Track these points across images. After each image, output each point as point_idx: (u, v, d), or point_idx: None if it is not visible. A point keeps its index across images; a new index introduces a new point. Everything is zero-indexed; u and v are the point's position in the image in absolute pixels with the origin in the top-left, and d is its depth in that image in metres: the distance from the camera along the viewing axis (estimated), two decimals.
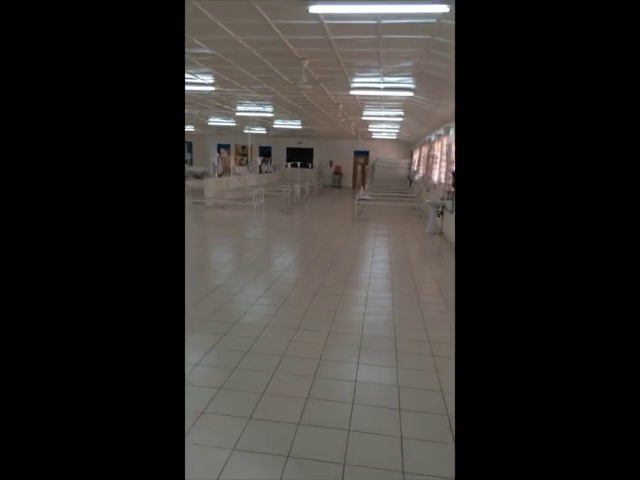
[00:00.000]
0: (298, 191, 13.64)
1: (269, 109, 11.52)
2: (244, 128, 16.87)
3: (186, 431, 2.18)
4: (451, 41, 4.34)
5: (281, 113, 12.25)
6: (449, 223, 8.17)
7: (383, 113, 11.03)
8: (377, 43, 4.77)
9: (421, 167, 15.00)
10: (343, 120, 11.71)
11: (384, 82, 6.94)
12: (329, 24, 4.24)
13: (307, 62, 5.69)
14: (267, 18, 4.12)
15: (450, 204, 7.95)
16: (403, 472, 1.96)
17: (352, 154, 21.73)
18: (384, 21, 4.06)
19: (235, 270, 5.59)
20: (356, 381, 2.78)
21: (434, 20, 3.89)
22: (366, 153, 21.47)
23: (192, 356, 3.03)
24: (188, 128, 18.32)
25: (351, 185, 21.53)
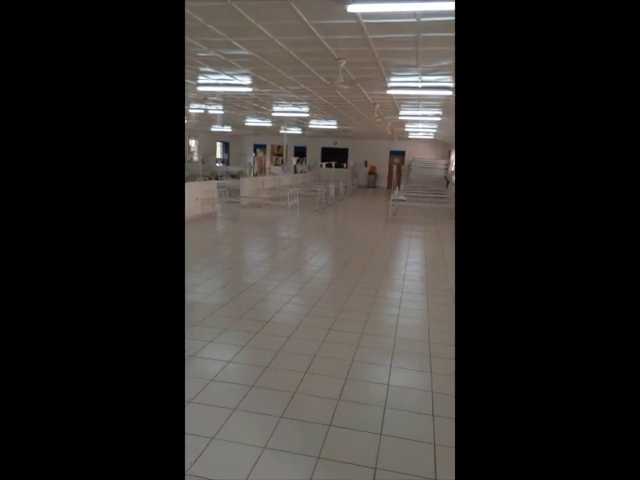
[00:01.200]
0: (332, 191, 13.63)
1: (305, 109, 11.58)
2: (280, 128, 17.05)
3: (219, 426, 2.21)
4: None
5: (317, 113, 12.28)
6: None
7: (420, 113, 10.85)
8: (416, 41, 4.69)
9: None
10: (379, 120, 11.61)
11: (422, 81, 6.82)
12: (367, 23, 4.20)
13: (344, 62, 5.66)
14: (304, 18, 4.13)
15: None
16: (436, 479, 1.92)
17: (387, 154, 21.53)
18: (423, 19, 3.98)
19: (269, 269, 5.64)
20: (388, 384, 2.74)
21: None
22: (402, 153, 21.22)
23: (225, 354, 3.08)
24: (225, 129, 18.69)
25: (386, 185, 21.33)
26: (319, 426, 2.26)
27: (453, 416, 2.41)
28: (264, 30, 4.57)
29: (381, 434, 2.22)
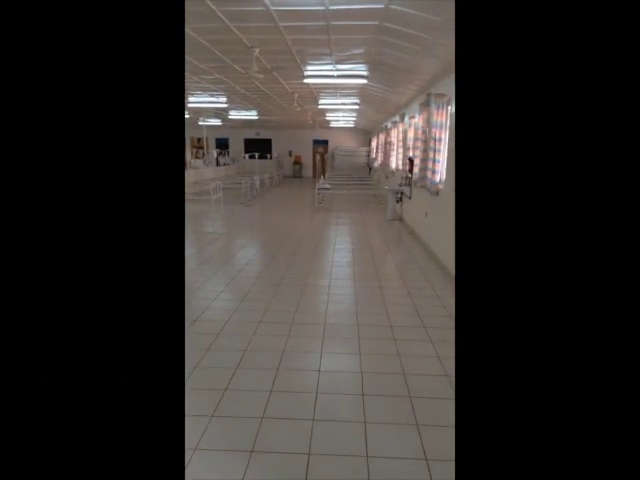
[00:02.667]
0: (257, 183, 13.47)
1: (223, 100, 11.25)
2: (198, 120, 16.44)
3: None
4: (401, 27, 4.35)
5: (235, 104, 11.99)
6: (408, 209, 8.30)
7: (339, 101, 11.01)
8: (327, 30, 4.72)
9: (379, 154, 15.14)
10: (299, 109, 11.61)
11: (337, 70, 6.90)
12: (276, 10, 4.15)
13: (257, 50, 5.56)
14: (212, 5, 3.99)
15: (408, 190, 8.07)
16: (367, 456, 1.98)
17: (311, 143, 21.65)
18: (332, 7, 4.01)
19: (195, 266, 5.46)
20: (319, 370, 2.78)
21: (382, 5, 3.89)
22: (325, 142, 21.45)
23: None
24: None
25: (311, 175, 21.48)
26: (254, 420, 2.24)
27: (382, 393, 2.51)
28: None
29: (314, 420, 2.25)
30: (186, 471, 1.89)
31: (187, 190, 12.47)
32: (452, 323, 3.59)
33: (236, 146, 21.39)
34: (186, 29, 4.75)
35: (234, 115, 14.92)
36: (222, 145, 21.27)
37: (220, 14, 4.25)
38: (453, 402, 2.25)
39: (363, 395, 2.49)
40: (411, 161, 7.77)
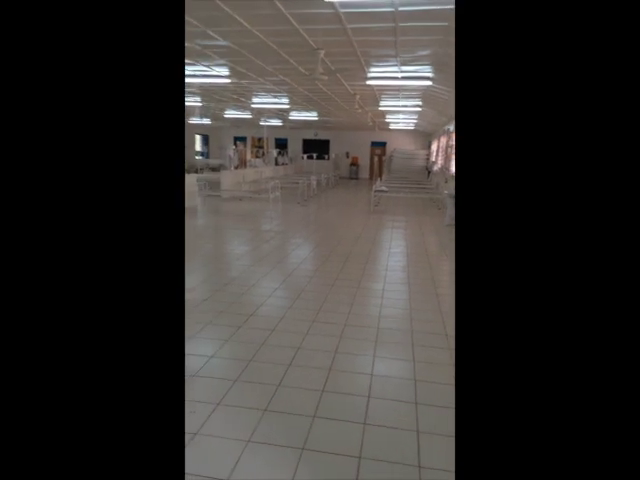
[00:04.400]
0: (314, 183, 13.59)
1: (285, 100, 11.47)
2: (260, 120, 16.87)
3: (202, 424, 2.20)
4: None
5: (297, 104, 12.18)
6: None
7: (401, 103, 10.87)
8: (394, 31, 4.68)
9: (439, 158, 14.77)
10: (360, 111, 11.59)
11: (402, 71, 6.82)
12: (345, 12, 4.17)
13: (323, 52, 5.62)
14: (282, 8, 4.07)
15: None
16: (419, 467, 1.94)
17: (369, 145, 21.55)
18: (401, 8, 3.97)
19: (251, 262, 5.60)
20: (372, 374, 2.76)
21: (452, 6, 3.79)
22: (383, 144, 21.26)
23: (207, 349, 3.05)
24: (204, 121, 18.41)
25: (368, 176, 21.37)
26: (305, 417, 2.26)
27: (434, 403, 2.45)
28: (241, 20, 4.49)
29: (365, 423, 2.24)
30: (237, 465, 1.94)
31: (245, 188, 12.84)
32: None
33: (295, 146, 21.73)
34: (255, 31, 4.89)
35: (294, 116, 15.17)
36: (281, 145, 21.70)
37: (289, 17, 4.33)
38: None
39: (416, 404, 2.44)
40: None
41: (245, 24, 4.61)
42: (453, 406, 2.43)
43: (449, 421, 2.28)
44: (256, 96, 10.73)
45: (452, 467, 1.96)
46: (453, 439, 2.14)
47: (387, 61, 6.25)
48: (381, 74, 7.17)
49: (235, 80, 8.29)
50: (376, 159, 21.33)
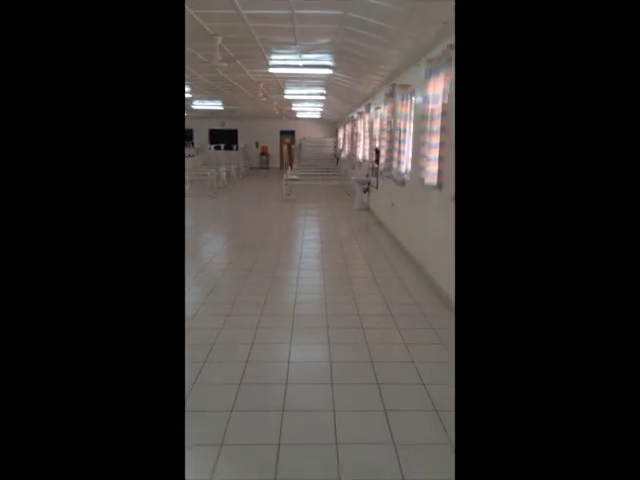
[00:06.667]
0: (224, 174, 13.26)
1: (186, 89, 10.97)
2: None
3: None
4: (365, 17, 4.35)
5: (199, 93, 11.71)
6: (375, 199, 8.39)
7: (305, 92, 10.93)
8: (291, 18, 4.66)
9: (346, 145, 15.18)
10: (265, 99, 11.45)
11: (302, 59, 6.85)
12: None
13: (220, 38, 5.44)
14: None
15: (374, 180, 8.15)
16: (336, 443, 2.02)
17: (278, 134, 21.45)
18: None
19: None
20: (289, 361, 2.79)
21: None
22: (292, 133, 21.30)
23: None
24: None
25: (278, 166, 21.33)
26: (223, 413, 2.23)
27: (351, 381, 2.55)
28: None
29: (284, 410, 2.26)
30: None
31: None
32: (417, 309, 3.68)
33: (201, 137, 20.92)
34: None
35: (198, 105, 14.59)
36: (187, 136, 20.76)
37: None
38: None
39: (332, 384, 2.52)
40: (377, 152, 7.84)
41: None
42: (366, 382, 2.55)
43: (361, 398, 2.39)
44: None
45: (364, 439, 2.06)
46: (365, 413, 2.25)
47: (287, 49, 6.22)
48: (282, 62, 7.14)
49: None
50: (285, 148, 21.32)
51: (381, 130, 7.53)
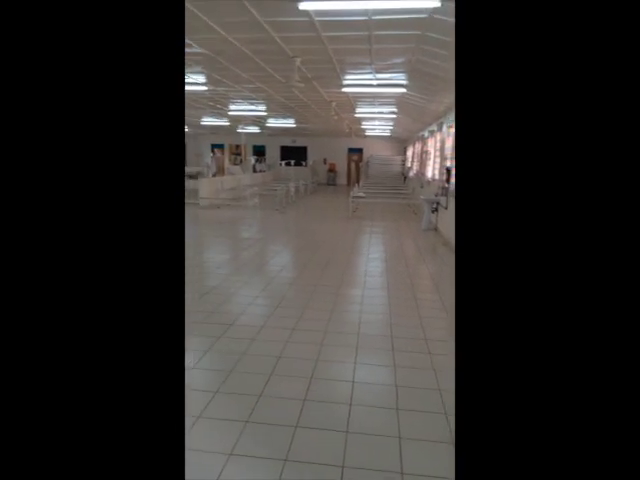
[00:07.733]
0: (292, 189, 13.59)
1: (262, 108, 11.46)
2: (237, 127, 16.79)
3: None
4: (442, 36, 4.32)
5: (274, 111, 12.18)
6: (444, 219, 8.16)
7: (376, 110, 10.99)
8: (369, 39, 4.74)
9: (415, 163, 14.99)
10: (336, 118, 11.67)
11: (376, 79, 6.91)
12: (319, 21, 4.20)
13: (299, 60, 5.65)
14: (257, 16, 4.08)
15: (444, 200, 7.94)
16: (402, 473, 1.94)
17: (346, 151, 21.70)
18: (375, 17, 4.02)
19: (231, 271, 5.55)
20: (354, 381, 2.76)
21: (425, 15, 3.87)
22: (360, 150, 21.44)
23: (187, 359, 3.00)
24: None
25: (345, 182, 21.50)
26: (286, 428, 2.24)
27: (417, 409, 2.46)
28: (217, 28, 4.47)
29: (347, 432, 2.23)
30: (220, 477, 1.91)
31: (224, 196, 12.74)
32: None
33: (273, 153, 21.70)
34: (230, 39, 4.88)
35: (272, 123, 15.16)
36: (259, 152, 21.63)
37: (265, 24, 4.34)
38: None
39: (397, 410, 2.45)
40: (448, 171, 7.65)
41: (221, 32, 4.59)
42: (433, 411, 2.45)
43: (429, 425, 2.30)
44: (233, 103, 10.69)
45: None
46: (431, 444, 2.15)
47: (362, 69, 6.32)
48: (356, 81, 7.25)
49: (211, 87, 8.24)
50: (353, 165, 21.48)
51: (453, 149, 7.35)
